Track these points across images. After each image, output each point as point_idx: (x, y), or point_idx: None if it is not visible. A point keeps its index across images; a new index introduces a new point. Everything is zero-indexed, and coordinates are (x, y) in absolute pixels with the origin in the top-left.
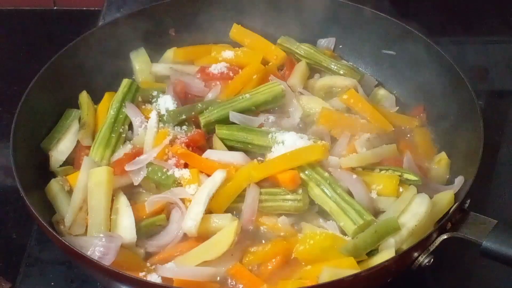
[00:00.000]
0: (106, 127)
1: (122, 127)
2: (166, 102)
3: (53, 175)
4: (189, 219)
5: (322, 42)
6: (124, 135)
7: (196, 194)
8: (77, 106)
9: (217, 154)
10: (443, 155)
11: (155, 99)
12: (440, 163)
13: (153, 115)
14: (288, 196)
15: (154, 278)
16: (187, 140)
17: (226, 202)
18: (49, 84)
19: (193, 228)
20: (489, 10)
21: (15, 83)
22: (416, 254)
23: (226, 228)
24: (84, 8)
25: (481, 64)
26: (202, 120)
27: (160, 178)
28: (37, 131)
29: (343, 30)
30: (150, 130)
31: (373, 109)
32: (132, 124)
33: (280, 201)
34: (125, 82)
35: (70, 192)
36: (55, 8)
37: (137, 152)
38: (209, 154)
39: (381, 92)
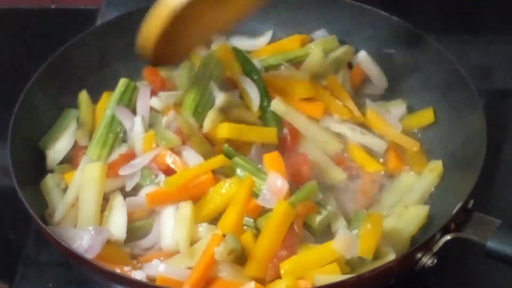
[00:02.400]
0: (103, 126)
1: (120, 126)
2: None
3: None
4: (165, 238)
5: (318, 33)
6: (121, 135)
7: (163, 211)
8: (75, 105)
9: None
10: (438, 163)
11: None
12: (432, 171)
13: (138, 119)
14: None
15: (139, 275)
16: None
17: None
18: (47, 83)
19: (171, 245)
20: (492, 8)
21: (13, 82)
22: (419, 255)
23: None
24: (83, 7)
25: (484, 63)
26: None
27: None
28: (35, 130)
29: (343, 29)
30: (137, 135)
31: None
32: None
33: None
34: (122, 81)
35: (66, 190)
36: (53, 7)
37: (131, 154)
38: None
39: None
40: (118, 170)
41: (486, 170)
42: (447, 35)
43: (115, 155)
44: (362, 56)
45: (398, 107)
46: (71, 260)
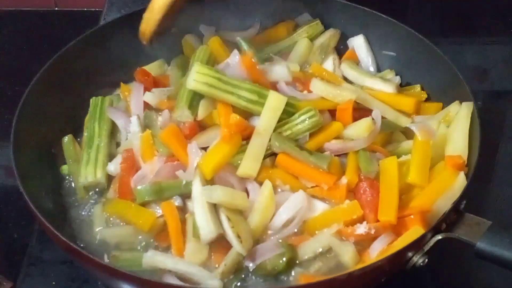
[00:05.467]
0: (83, 148)
1: (99, 139)
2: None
3: (55, 173)
4: None
5: (302, 18)
6: (103, 143)
7: None
8: (76, 104)
9: None
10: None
11: None
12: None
13: (133, 119)
14: (303, 116)
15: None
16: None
17: None
18: (50, 83)
19: None
20: (488, 10)
21: (16, 83)
22: (410, 254)
23: None
24: (85, 9)
25: (480, 65)
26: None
27: None
28: (38, 130)
29: (343, 31)
30: (134, 135)
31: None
32: (117, 129)
33: (299, 125)
34: (93, 100)
35: None
36: (56, 9)
37: (131, 156)
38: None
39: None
40: (129, 187)
41: (480, 171)
42: (443, 37)
43: (116, 167)
44: (360, 40)
45: (389, 75)
46: (74, 258)
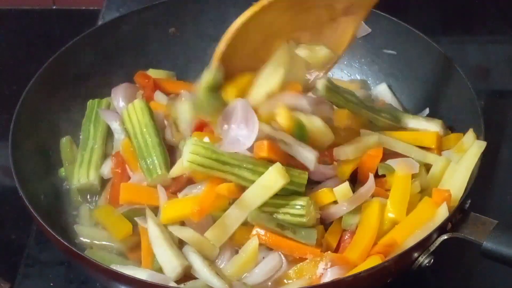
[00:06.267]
0: (78, 150)
1: (93, 141)
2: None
3: (53, 174)
4: None
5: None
6: (96, 146)
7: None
8: (75, 105)
9: None
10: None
11: None
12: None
13: (115, 125)
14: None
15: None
16: None
17: None
18: (48, 84)
19: None
20: (490, 9)
21: (14, 83)
22: (416, 255)
23: None
24: (84, 8)
25: (482, 64)
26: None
27: None
28: (36, 130)
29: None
30: (118, 141)
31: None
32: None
33: (287, 215)
34: (89, 103)
35: None
36: (54, 7)
37: (120, 160)
38: None
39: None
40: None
41: (483, 170)
42: (445, 36)
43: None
44: (383, 88)
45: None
46: (72, 259)
